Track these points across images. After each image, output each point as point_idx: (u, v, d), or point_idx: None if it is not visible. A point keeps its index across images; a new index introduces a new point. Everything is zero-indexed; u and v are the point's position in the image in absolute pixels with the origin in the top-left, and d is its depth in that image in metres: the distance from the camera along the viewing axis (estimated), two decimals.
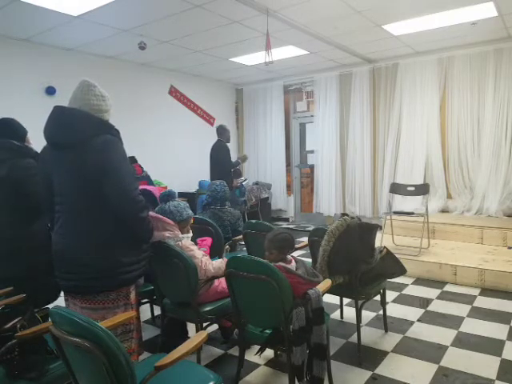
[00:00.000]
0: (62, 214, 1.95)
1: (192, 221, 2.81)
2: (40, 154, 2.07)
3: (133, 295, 2.04)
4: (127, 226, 1.94)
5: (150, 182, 5.59)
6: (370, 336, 3.07)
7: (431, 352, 2.80)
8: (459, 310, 3.55)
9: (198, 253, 2.57)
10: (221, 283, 2.61)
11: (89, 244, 1.88)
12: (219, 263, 2.57)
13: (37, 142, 1.97)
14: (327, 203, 7.29)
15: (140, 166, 5.56)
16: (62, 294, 2.13)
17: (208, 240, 2.99)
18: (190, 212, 2.69)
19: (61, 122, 1.91)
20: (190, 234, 2.69)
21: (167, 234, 2.50)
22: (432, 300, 3.81)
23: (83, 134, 1.85)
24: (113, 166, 1.86)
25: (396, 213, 5.01)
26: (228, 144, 6.02)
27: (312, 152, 7.74)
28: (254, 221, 3.58)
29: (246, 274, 2.11)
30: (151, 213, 2.56)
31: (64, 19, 4.36)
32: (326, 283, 2.22)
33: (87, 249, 1.87)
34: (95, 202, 1.86)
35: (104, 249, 1.88)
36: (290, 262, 2.32)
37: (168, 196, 2.68)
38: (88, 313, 1.89)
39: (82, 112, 1.89)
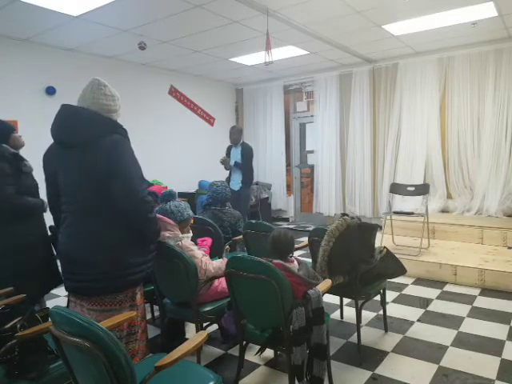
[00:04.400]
0: (69, 214, 1.93)
1: (192, 221, 2.81)
2: (45, 152, 2.05)
3: (139, 296, 2.03)
4: (135, 226, 1.92)
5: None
6: (370, 336, 3.07)
7: (431, 352, 2.80)
8: (459, 309, 3.55)
9: (198, 253, 2.58)
10: (221, 283, 2.61)
11: (96, 245, 1.86)
12: (219, 263, 2.58)
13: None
14: (327, 203, 7.29)
15: None
16: (59, 294, 2.13)
17: (208, 240, 3.00)
18: (191, 212, 2.70)
19: (68, 121, 1.89)
20: (190, 234, 2.70)
21: (167, 233, 2.51)
22: (432, 300, 3.81)
23: (90, 133, 1.83)
24: (121, 166, 1.84)
25: (396, 213, 5.01)
26: (231, 144, 6.00)
27: (312, 152, 7.74)
28: (253, 221, 3.58)
29: (246, 273, 2.11)
30: (157, 215, 2.56)
31: (64, 19, 4.36)
32: (326, 283, 2.22)
33: (94, 250, 1.85)
34: (103, 202, 1.84)
35: (111, 250, 1.86)
36: (292, 262, 2.31)
37: (169, 196, 2.69)
38: (95, 314, 1.88)
39: (90, 111, 1.87)
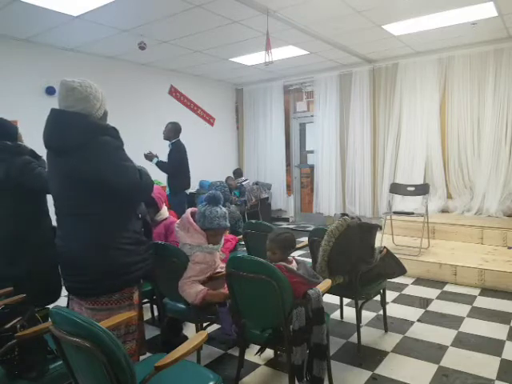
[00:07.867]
0: (61, 217, 1.94)
1: (226, 232, 2.68)
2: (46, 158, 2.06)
3: (136, 295, 2.02)
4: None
5: None
6: (369, 336, 3.07)
7: (431, 352, 2.80)
8: (459, 309, 3.55)
9: (192, 272, 2.42)
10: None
11: (89, 246, 1.86)
12: (195, 291, 2.40)
13: (36, 142, 1.97)
14: (327, 203, 7.29)
15: None
16: (61, 293, 2.14)
17: (232, 242, 2.94)
18: (223, 223, 2.51)
19: (56, 125, 1.87)
20: (218, 246, 2.56)
21: (189, 240, 2.44)
22: (432, 300, 3.81)
23: (77, 138, 1.81)
24: (115, 164, 1.83)
25: (396, 213, 5.01)
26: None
27: (312, 152, 7.74)
28: (253, 221, 3.58)
29: (246, 274, 2.11)
30: (188, 214, 2.51)
31: (64, 19, 4.36)
32: (326, 283, 2.22)
33: (88, 251, 1.86)
34: (96, 203, 1.84)
35: (104, 250, 1.86)
36: (291, 262, 2.32)
37: (212, 199, 2.55)
38: (93, 313, 1.88)
39: (76, 115, 1.84)
